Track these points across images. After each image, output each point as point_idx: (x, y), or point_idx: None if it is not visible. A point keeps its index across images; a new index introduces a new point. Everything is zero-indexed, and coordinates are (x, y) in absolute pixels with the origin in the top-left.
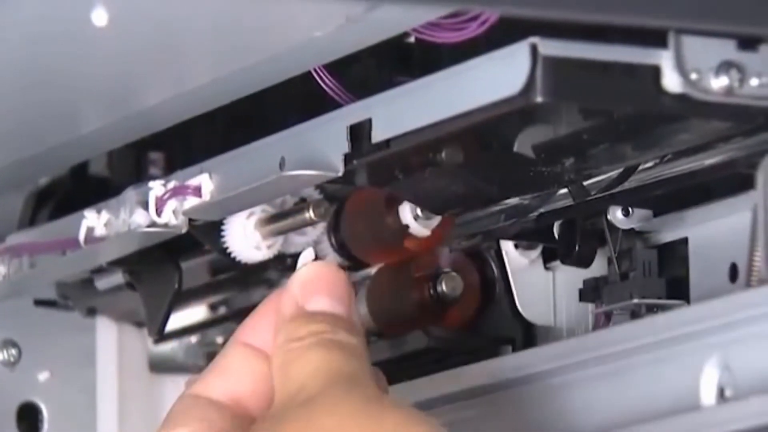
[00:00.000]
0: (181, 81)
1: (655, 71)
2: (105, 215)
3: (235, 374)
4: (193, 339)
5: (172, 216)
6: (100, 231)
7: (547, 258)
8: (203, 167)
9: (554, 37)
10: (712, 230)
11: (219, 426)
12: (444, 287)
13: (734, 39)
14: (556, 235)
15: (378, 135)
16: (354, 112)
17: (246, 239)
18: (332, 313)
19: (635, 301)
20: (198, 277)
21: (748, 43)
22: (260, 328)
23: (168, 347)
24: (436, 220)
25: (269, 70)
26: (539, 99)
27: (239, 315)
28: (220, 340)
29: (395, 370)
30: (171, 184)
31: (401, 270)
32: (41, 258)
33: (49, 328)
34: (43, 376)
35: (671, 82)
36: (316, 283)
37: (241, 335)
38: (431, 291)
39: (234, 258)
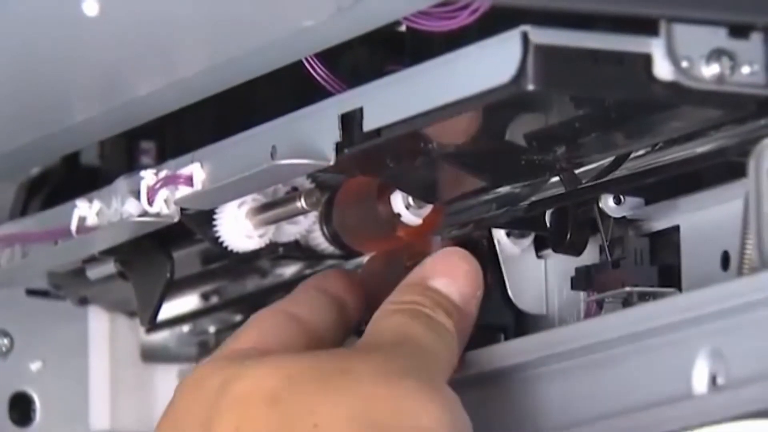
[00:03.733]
0: (172, 70)
1: (646, 59)
2: (97, 205)
3: (311, 304)
4: (185, 328)
5: (164, 205)
6: (91, 220)
7: (539, 246)
8: (195, 156)
9: (545, 26)
10: (704, 218)
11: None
12: None
13: (725, 27)
14: (548, 224)
15: (369, 124)
16: (345, 101)
17: (238, 228)
18: (443, 293)
19: (627, 289)
20: (190, 267)
21: (739, 31)
22: (338, 282)
23: (160, 336)
24: (428, 208)
25: (260, 59)
26: (531, 87)
27: (231, 304)
28: (212, 329)
29: None
30: (162, 174)
31: (393, 258)
32: (33, 248)
33: (41, 318)
34: (35, 365)
35: (662, 70)
36: (448, 265)
37: (318, 282)
38: None
39: (226, 247)
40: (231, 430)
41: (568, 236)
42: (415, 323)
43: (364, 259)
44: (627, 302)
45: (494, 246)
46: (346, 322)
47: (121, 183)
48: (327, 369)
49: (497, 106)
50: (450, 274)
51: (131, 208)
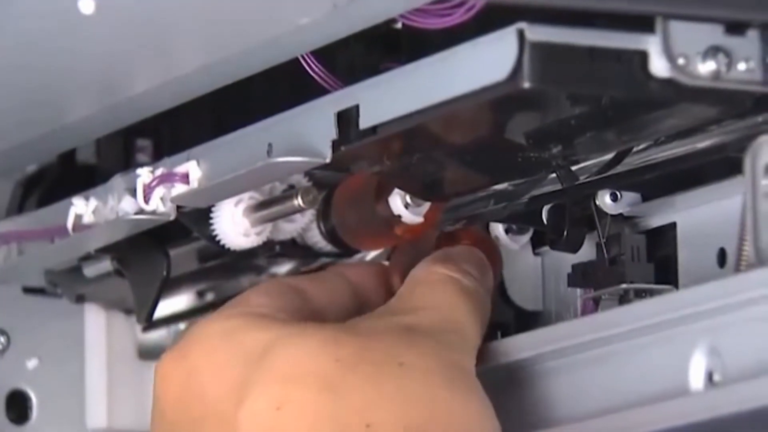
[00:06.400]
0: (168, 68)
1: (643, 56)
2: (93, 202)
3: (324, 283)
4: (182, 326)
5: (160, 203)
6: (88, 218)
7: (536, 243)
8: (191, 154)
9: (541, 23)
10: (701, 215)
11: (295, 306)
12: None
13: (721, 24)
14: (545, 221)
15: (365, 121)
16: (341, 98)
17: (234, 226)
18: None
19: (624, 286)
20: (186, 264)
21: (735, 28)
22: (365, 275)
23: (157, 334)
24: (427, 206)
25: (256, 56)
26: (526, 85)
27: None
28: None
29: None
30: (159, 171)
31: (420, 248)
32: (30, 245)
33: (38, 316)
34: (31, 363)
35: (658, 67)
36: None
37: (339, 267)
38: None
39: (222, 245)
40: (271, 408)
41: (565, 233)
42: (460, 300)
43: (364, 256)
44: (623, 299)
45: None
46: (361, 312)
47: (118, 181)
48: (381, 359)
49: (493, 104)
50: (468, 255)
51: (127, 205)
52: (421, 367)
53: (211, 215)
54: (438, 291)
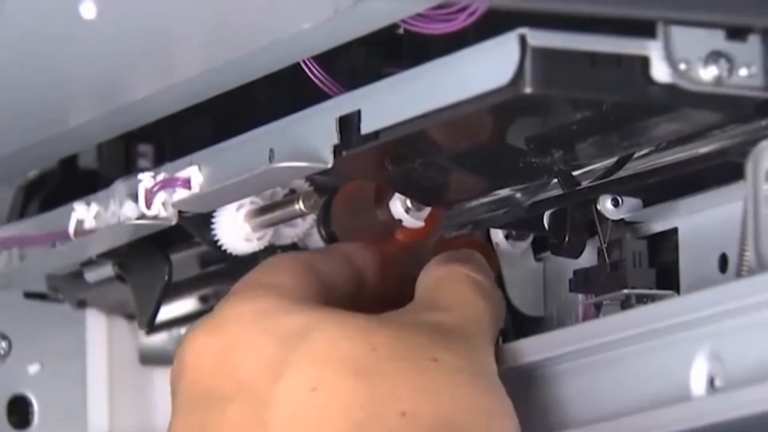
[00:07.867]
0: (170, 73)
1: (644, 61)
2: (94, 208)
3: (331, 261)
4: (184, 331)
5: (162, 208)
6: (89, 223)
7: (538, 249)
8: (193, 159)
9: (543, 28)
10: (703, 220)
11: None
12: None
13: (723, 29)
14: (546, 226)
15: (367, 126)
16: (343, 103)
17: (236, 231)
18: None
19: (625, 291)
20: (188, 269)
21: (736, 33)
22: (365, 257)
23: (158, 339)
24: (427, 211)
25: (258, 61)
26: (528, 90)
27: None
28: None
29: None
30: (160, 176)
31: (418, 251)
32: (31, 251)
33: (39, 321)
34: (33, 368)
35: (660, 72)
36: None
37: (346, 250)
38: None
39: (224, 250)
40: (306, 389)
41: (567, 239)
42: (482, 301)
43: None
44: (625, 304)
45: (493, 248)
46: (362, 296)
47: (119, 186)
48: (415, 352)
49: (495, 109)
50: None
51: (129, 211)
52: (453, 365)
53: (213, 220)
54: (462, 290)
